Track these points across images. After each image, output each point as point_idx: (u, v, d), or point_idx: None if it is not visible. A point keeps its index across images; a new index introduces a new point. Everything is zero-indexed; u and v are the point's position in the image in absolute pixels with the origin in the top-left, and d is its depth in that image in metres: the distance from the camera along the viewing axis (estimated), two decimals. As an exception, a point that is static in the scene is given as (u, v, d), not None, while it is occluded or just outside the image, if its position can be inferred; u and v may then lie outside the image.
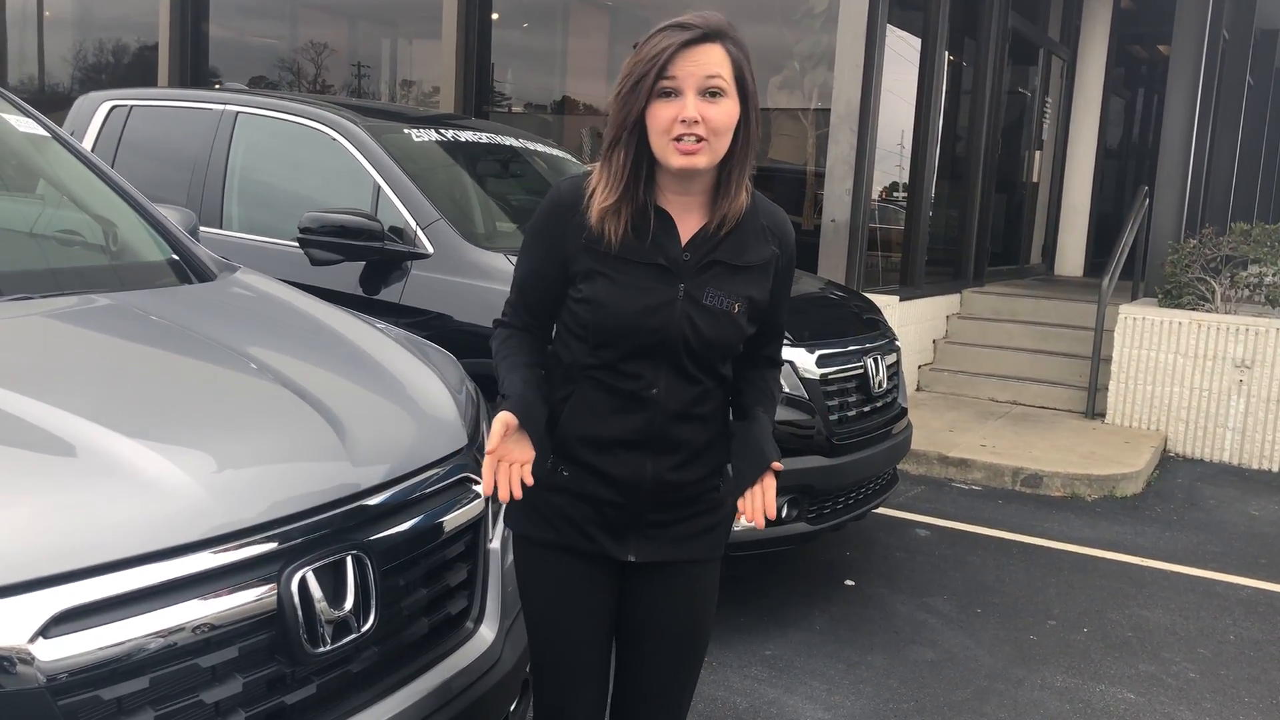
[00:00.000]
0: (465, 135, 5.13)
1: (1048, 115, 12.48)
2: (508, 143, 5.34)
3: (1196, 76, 8.48)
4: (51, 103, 12.60)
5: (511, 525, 2.14)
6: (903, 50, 8.55)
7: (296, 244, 4.36)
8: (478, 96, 9.32)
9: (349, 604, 1.85)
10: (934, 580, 4.90)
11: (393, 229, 4.37)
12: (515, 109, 10.21)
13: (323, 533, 1.85)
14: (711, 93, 1.88)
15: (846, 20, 7.24)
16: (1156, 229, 8.61)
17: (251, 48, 11.96)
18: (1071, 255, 13.05)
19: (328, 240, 4.26)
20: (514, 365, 2.04)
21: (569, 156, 5.76)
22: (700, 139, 1.87)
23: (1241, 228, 7.96)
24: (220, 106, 5.03)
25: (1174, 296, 7.92)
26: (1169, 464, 7.43)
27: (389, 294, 4.35)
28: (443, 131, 5.02)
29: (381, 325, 2.78)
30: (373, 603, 1.90)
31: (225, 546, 1.71)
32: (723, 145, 1.91)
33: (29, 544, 1.52)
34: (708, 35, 1.89)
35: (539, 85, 10.46)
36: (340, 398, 2.16)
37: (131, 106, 5.32)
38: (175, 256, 2.96)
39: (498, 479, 1.91)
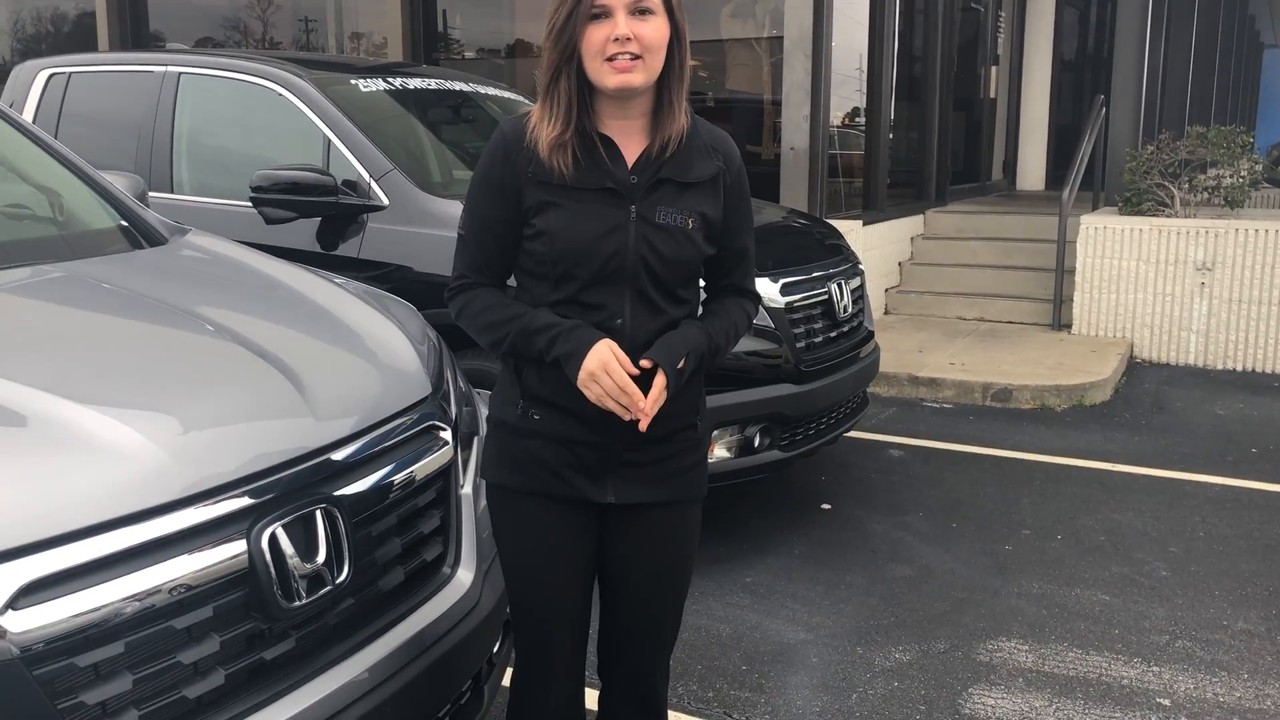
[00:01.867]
0: (414, 83, 5.05)
1: (1001, 30, 12.42)
2: (458, 88, 5.27)
3: (1147, -19, 8.44)
4: (-9, 75, 12.33)
5: (484, 474, 2.14)
6: (853, -29, 8.46)
7: (250, 204, 4.31)
8: (426, 45, 9.17)
9: (321, 557, 1.86)
10: (909, 499, 4.96)
11: (346, 183, 4.32)
12: (466, 55, 10.06)
13: (290, 489, 1.84)
14: (640, 11, 1.92)
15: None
16: (1114, 138, 8.63)
17: (193, 7, 11.70)
18: (1032, 169, 13.07)
19: (281, 198, 4.20)
20: (515, 305, 2.04)
21: (521, 98, 5.69)
22: (635, 56, 1.91)
23: (1198, 131, 7.99)
24: (162, 68, 4.93)
25: (1134, 204, 7.96)
26: (1136, 370, 7.52)
27: (346, 249, 4.31)
28: (390, 80, 4.95)
29: (340, 280, 2.76)
30: (345, 555, 1.90)
31: (191, 507, 1.70)
32: (657, 63, 1.95)
33: (37, 508, 1.52)
34: None
35: (488, 30, 10.30)
36: (299, 354, 2.15)
37: (70, 74, 5.21)
38: (124, 223, 2.92)
39: (640, 399, 1.93)
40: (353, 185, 4.33)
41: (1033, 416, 6.39)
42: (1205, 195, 8.02)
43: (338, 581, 1.88)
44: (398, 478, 2.08)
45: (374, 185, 4.30)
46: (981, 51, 12.07)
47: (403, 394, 2.23)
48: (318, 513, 1.87)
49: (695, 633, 3.61)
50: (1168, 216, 7.79)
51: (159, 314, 2.25)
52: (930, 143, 10.01)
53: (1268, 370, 7.42)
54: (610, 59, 1.90)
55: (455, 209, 4.19)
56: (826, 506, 4.85)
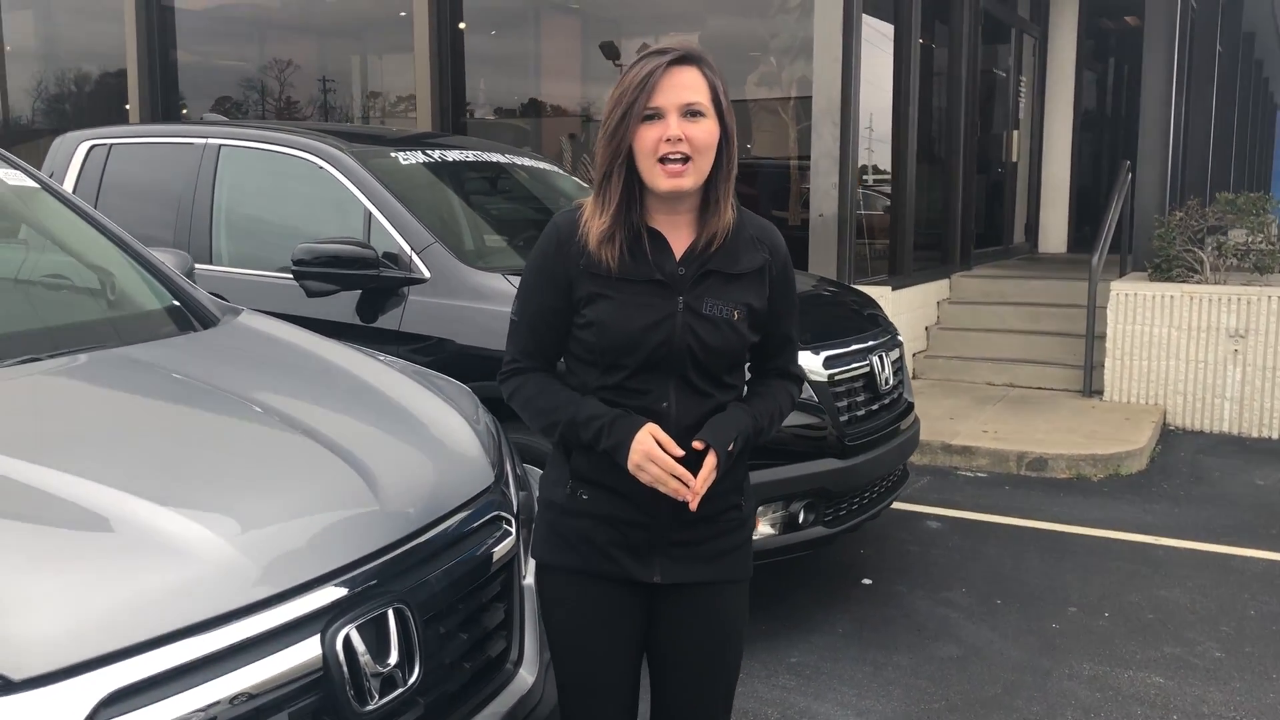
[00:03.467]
0: (451, 154, 5.08)
1: (1023, 93, 12.49)
2: (493, 159, 5.30)
3: (1172, 48, 8.50)
4: (16, 137, 12.49)
5: (533, 553, 2.16)
6: (877, 38, 8.52)
7: (289, 276, 4.31)
8: (454, 108, 9.26)
9: (394, 658, 1.82)
10: (951, 573, 4.89)
11: (387, 255, 4.32)
12: (491, 118, 10.15)
13: (363, 587, 1.81)
14: (692, 113, 1.97)
15: (823, 13, 7.23)
16: (1140, 203, 8.63)
17: (219, 71, 11.86)
18: (1054, 232, 13.07)
19: (323, 271, 4.21)
20: (563, 392, 2.08)
21: (554, 167, 5.72)
22: (685, 158, 1.97)
23: (1226, 197, 7.98)
24: (202, 140, 4.97)
25: (1163, 270, 7.93)
26: (1170, 438, 7.44)
27: (387, 321, 4.30)
28: (429, 152, 4.98)
29: (390, 360, 2.74)
30: (416, 654, 1.86)
31: (268, 610, 1.67)
32: (706, 164, 2.01)
33: (72, 626, 1.49)
34: (686, 58, 2.00)
35: (513, 93, 10.41)
36: (365, 443, 2.12)
37: (112, 145, 5.25)
38: (176, 303, 2.91)
39: (690, 480, 1.97)
40: (393, 258, 4.33)
41: (1069, 486, 6.31)
42: (1234, 260, 7.99)
43: (409, 683, 1.84)
44: (466, 572, 2.05)
45: (415, 258, 4.30)
46: (1003, 115, 12.13)
47: (468, 483, 2.20)
48: (389, 612, 1.83)
49: (742, 716, 3.53)
50: (1197, 283, 7.76)
51: (222, 403, 2.23)
52: (955, 206, 10.03)
53: (1304, 438, 7.34)
54: (662, 160, 1.96)
55: (497, 282, 4.19)
56: (867, 581, 4.77)
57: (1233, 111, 15.77)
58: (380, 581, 1.85)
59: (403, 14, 11.02)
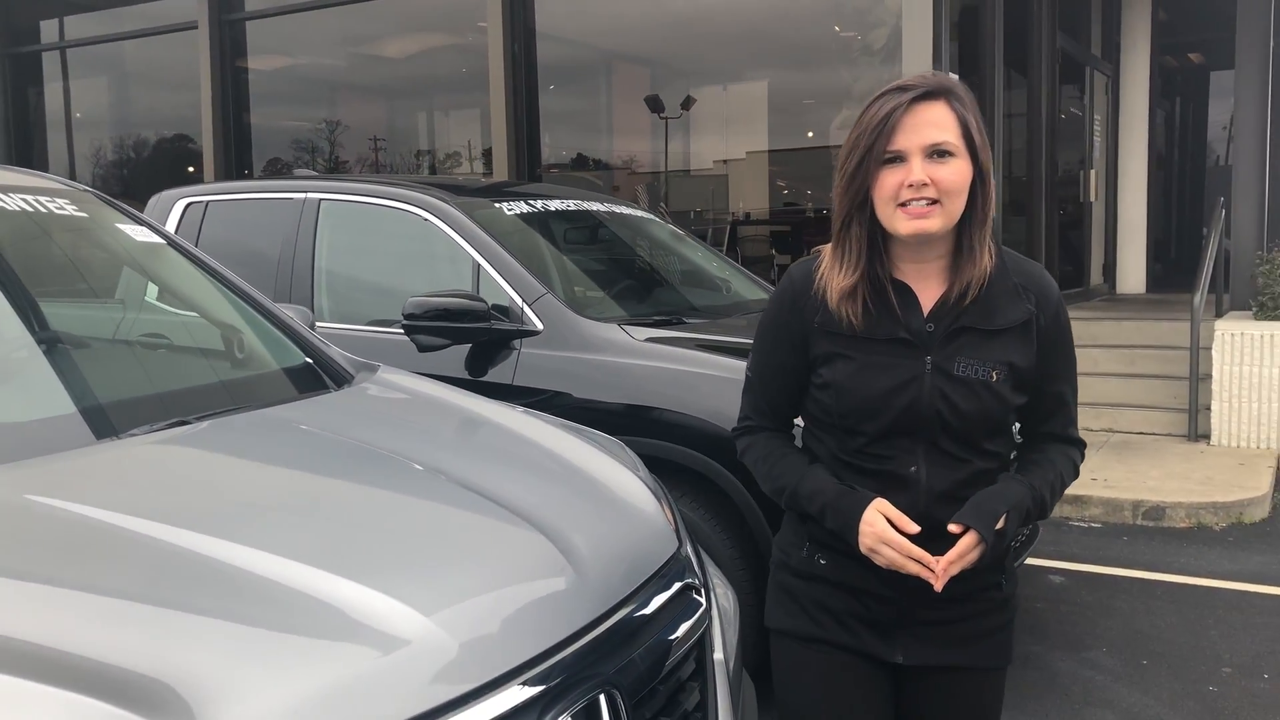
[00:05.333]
0: (553, 204, 4.97)
1: (1097, 132, 12.27)
2: (592, 208, 5.18)
3: (1265, 83, 8.27)
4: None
5: (768, 621, 1.98)
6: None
7: (397, 331, 4.20)
8: (529, 161, 9.22)
9: (608, 748, 1.64)
10: (1086, 631, 4.62)
11: (496, 308, 4.19)
12: (567, 171, 10.12)
13: (573, 670, 1.64)
14: (940, 153, 1.77)
15: (910, 57, 7.10)
16: (1237, 241, 8.36)
17: (287, 131, 11.96)
18: (1132, 272, 12.76)
19: (434, 325, 4.09)
20: (790, 457, 1.93)
21: (649, 215, 5.60)
22: (932, 201, 1.76)
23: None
24: (301, 195, 4.90)
25: (1269, 309, 7.64)
26: (1287, 483, 7.11)
27: (499, 375, 4.16)
28: (531, 203, 4.87)
29: (545, 415, 2.58)
30: (627, 742, 1.68)
31: (482, 700, 1.50)
32: (957, 207, 1.80)
33: (325, 714, 1.33)
34: (931, 93, 1.79)
35: (587, 146, 10.37)
36: (551, 508, 1.96)
37: (208, 202, 5.20)
38: (308, 360, 2.79)
39: (931, 563, 1.77)
40: (503, 310, 4.20)
41: (1190, 536, 6.01)
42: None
43: (625, 774, 1.66)
44: (664, 649, 1.87)
45: (527, 310, 4.16)
46: (1078, 154, 11.91)
47: (657, 550, 2.03)
48: (601, 697, 1.66)
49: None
50: (1304, 321, 7.46)
51: (388, 465, 2.08)
52: (1038, 248, 9.80)
53: None
54: (903, 204, 1.77)
55: (613, 333, 4.05)
56: (1000, 641, 4.51)
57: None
58: (589, 663, 1.68)
59: (464, 70, 11.11)
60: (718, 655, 2.11)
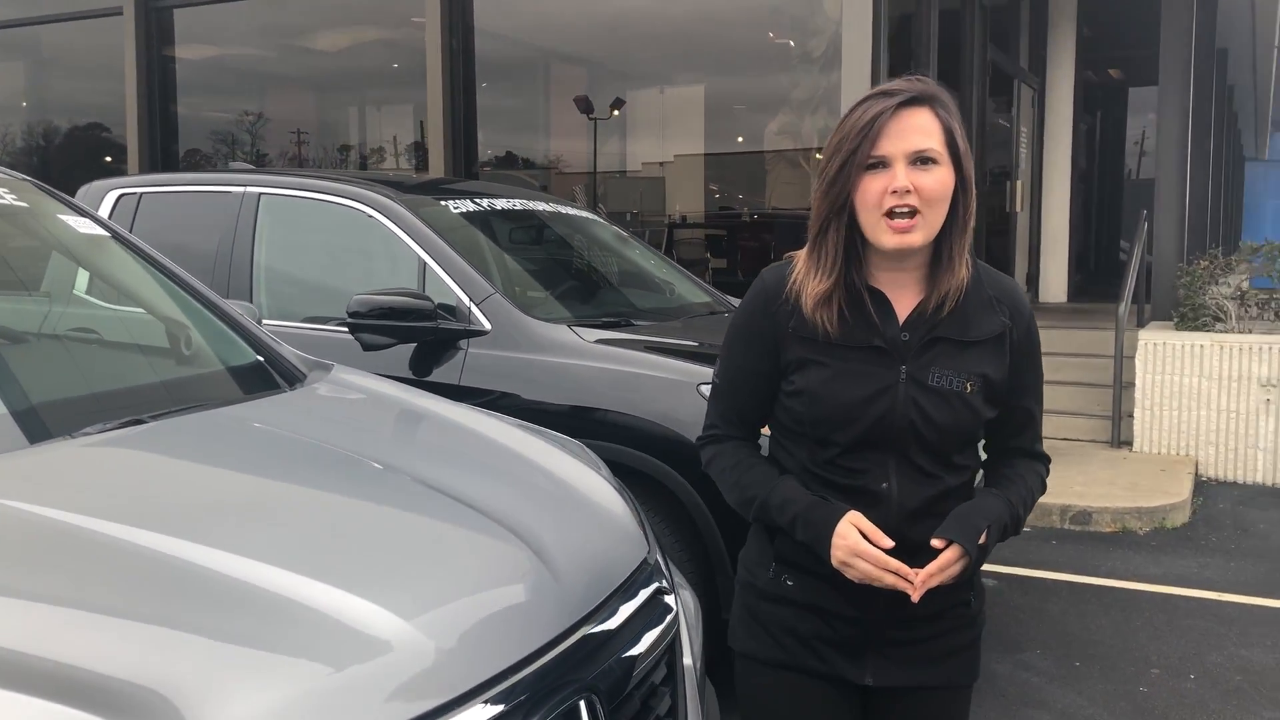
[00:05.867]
0: (499, 204, 4.93)
1: (1023, 144, 12.53)
2: (539, 207, 5.15)
3: (1186, 102, 8.53)
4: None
5: (733, 642, 1.94)
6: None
7: (339, 330, 4.13)
8: (466, 159, 9.14)
9: (588, 755, 1.63)
10: (1020, 634, 4.71)
11: (443, 307, 4.14)
12: (501, 170, 10.05)
13: (552, 676, 1.63)
14: (923, 160, 1.74)
15: (850, 66, 7.18)
16: (1159, 252, 8.60)
17: (214, 122, 11.70)
18: (1055, 282, 13.04)
19: (379, 324, 4.02)
20: (759, 467, 1.88)
21: (593, 216, 5.59)
22: (914, 211, 1.73)
23: (1251, 246, 7.96)
24: (240, 189, 4.79)
25: (1190, 319, 7.87)
26: (1205, 489, 7.32)
27: (445, 375, 4.11)
28: (477, 201, 4.82)
29: (511, 419, 2.56)
30: (606, 750, 1.67)
31: (467, 707, 1.48)
32: (938, 218, 1.77)
33: None
34: (916, 99, 1.76)
35: (522, 145, 10.31)
36: (522, 511, 1.94)
37: (141, 194, 5.06)
38: (260, 358, 2.73)
39: (909, 575, 1.73)
40: (450, 310, 4.15)
41: (1116, 540, 6.16)
42: (1256, 310, 7.95)
43: (604, 780, 1.65)
44: (640, 653, 1.86)
45: (475, 310, 4.12)
46: (1005, 165, 12.15)
47: (629, 555, 2.02)
48: (581, 703, 1.64)
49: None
50: (1223, 332, 7.70)
51: (356, 468, 2.04)
52: (967, 257, 9.96)
53: (1340, 488, 7.25)
54: (888, 214, 1.73)
55: (561, 333, 4.03)
56: (938, 643, 4.58)
57: (1221, 165, 15.93)
58: (568, 669, 1.66)
59: (396, 65, 10.98)
60: (687, 661, 2.11)
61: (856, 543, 1.73)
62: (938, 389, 1.79)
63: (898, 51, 8.48)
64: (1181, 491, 6.65)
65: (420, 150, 10.58)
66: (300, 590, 1.50)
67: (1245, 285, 7.98)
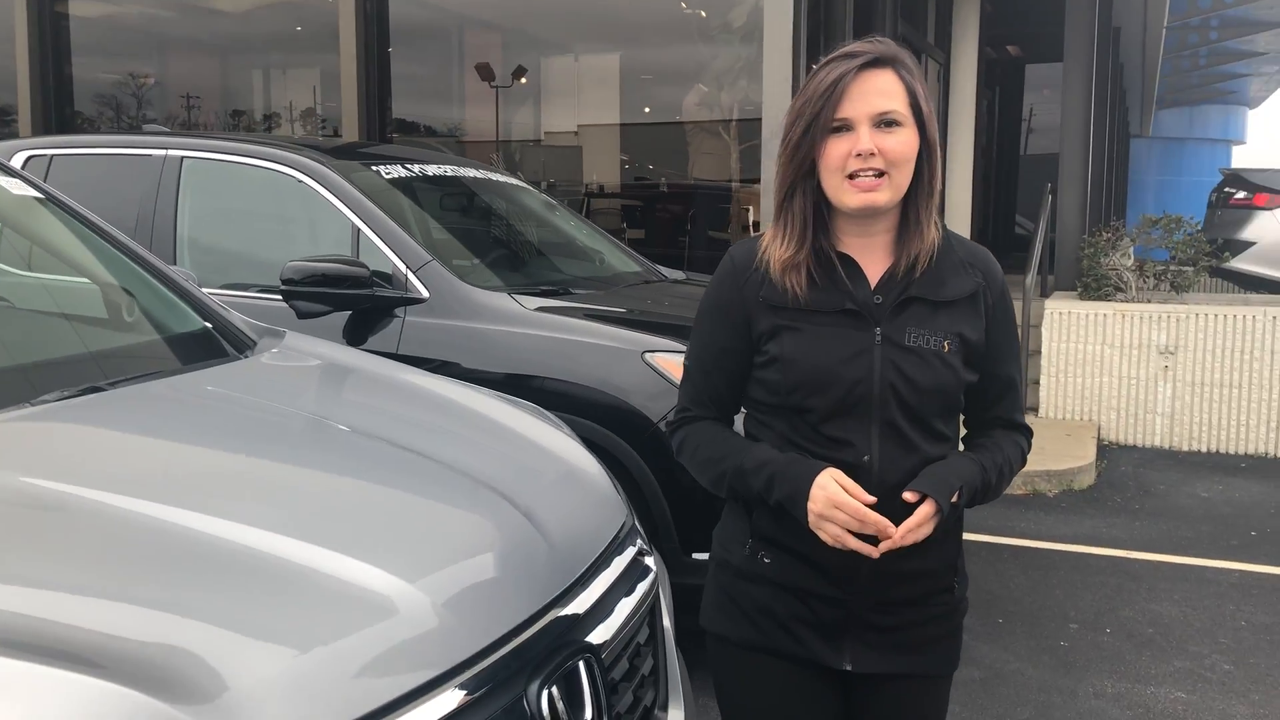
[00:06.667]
0: (430, 170, 4.86)
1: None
2: (469, 174, 5.10)
3: (1089, 79, 8.79)
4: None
5: (704, 622, 1.92)
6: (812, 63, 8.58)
7: (272, 296, 4.04)
8: (380, 124, 8.97)
9: (589, 713, 1.64)
10: (944, 593, 4.85)
11: (379, 274, 4.08)
12: (413, 136, 9.89)
13: (554, 639, 1.64)
14: (887, 123, 1.72)
15: (771, 36, 7.21)
16: (1063, 225, 8.87)
17: (111, 85, 11.27)
18: (958, 253, 13.37)
19: (315, 291, 3.95)
20: (734, 439, 1.85)
21: (522, 184, 5.55)
22: (880, 173, 1.72)
23: (1150, 219, 8.26)
24: (161, 152, 4.64)
25: (1093, 289, 8.15)
26: (1108, 453, 7.62)
27: (381, 344, 4.05)
28: (408, 166, 4.75)
29: (476, 387, 2.54)
30: (603, 708, 1.69)
31: (475, 669, 1.48)
32: (904, 179, 1.75)
33: (303, 702, 1.28)
34: (879, 60, 1.75)
35: (435, 111, 10.15)
36: (507, 475, 1.94)
37: (52, 156, 4.87)
38: (208, 325, 2.66)
39: (889, 529, 1.70)
40: (385, 277, 4.09)
41: (1027, 502, 6.38)
42: (1153, 281, 8.27)
43: (602, 741, 1.67)
44: (627, 615, 1.88)
45: (411, 277, 4.07)
46: (912, 140, 12.38)
47: (611, 518, 2.03)
48: (580, 664, 1.66)
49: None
50: (1123, 301, 7.99)
51: (332, 435, 2.01)
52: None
53: (1232, 451, 7.61)
54: (851, 176, 1.72)
55: (502, 301, 4.01)
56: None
57: (1113, 140, 16.47)
58: (564, 631, 1.67)
59: (300, 28, 10.71)
60: (666, 622, 2.14)
61: (836, 493, 1.68)
62: (915, 349, 1.76)
63: (815, 24, 8.56)
64: (1087, 455, 6.91)
65: (322, 117, 10.37)
66: (303, 555, 1.48)
67: (1130, 258, 8.26)
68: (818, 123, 1.73)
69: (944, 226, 1.87)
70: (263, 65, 11.56)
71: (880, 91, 1.73)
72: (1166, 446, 7.76)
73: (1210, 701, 3.82)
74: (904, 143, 1.73)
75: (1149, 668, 4.09)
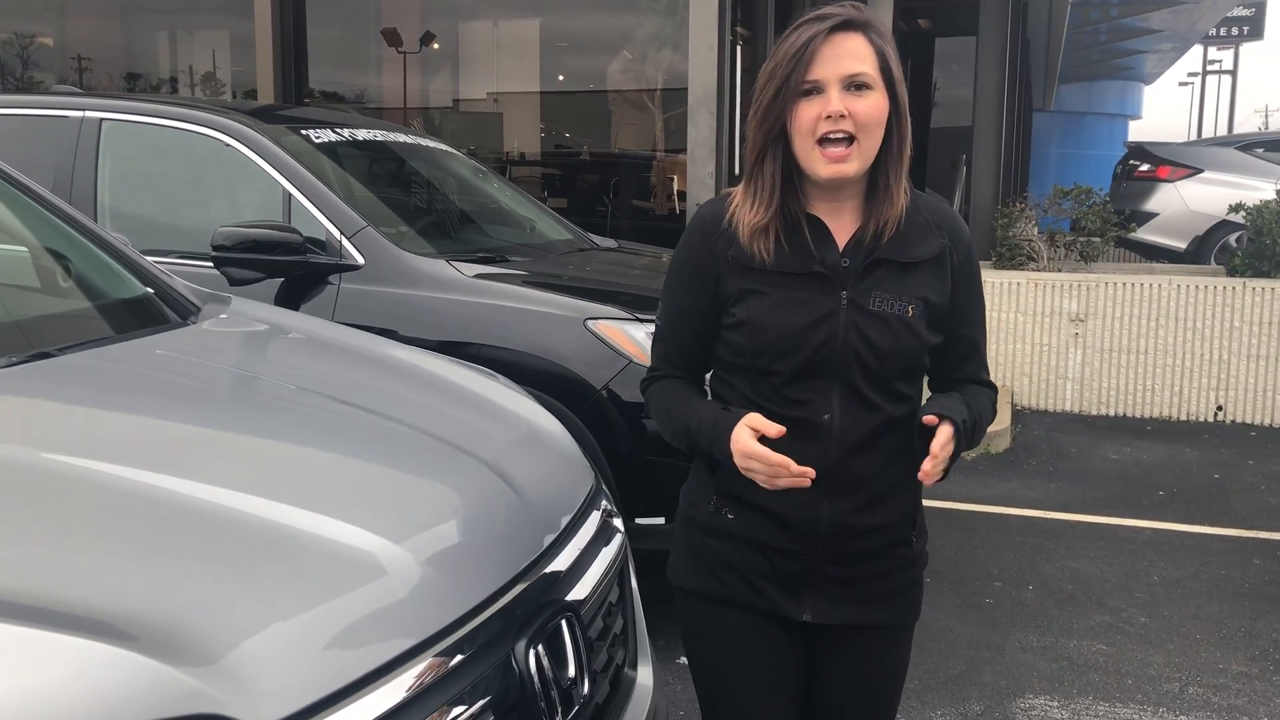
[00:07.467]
0: (360, 134, 4.78)
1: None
2: (399, 139, 5.02)
3: (1003, 52, 8.98)
4: None
5: (671, 576, 1.95)
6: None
7: (202, 263, 3.95)
8: (296, 88, 8.76)
9: (572, 671, 1.66)
10: (873, 555, 4.97)
11: (312, 240, 4.01)
12: (328, 102, 9.69)
13: (537, 597, 1.65)
14: (857, 86, 1.73)
15: (697, 6, 7.22)
16: (977, 195, 9.08)
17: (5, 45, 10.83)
18: (872, 224, 13.60)
19: (247, 257, 3.87)
20: (689, 397, 1.87)
21: (451, 149, 5.49)
22: (849, 137, 1.73)
23: (1061, 190, 8.50)
24: (79, 114, 4.47)
25: (1007, 259, 8.36)
26: (1021, 418, 7.85)
27: (315, 311, 3.96)
28: (338, 131, 4.66)
29: (435, 354, 2.52)
30: (584, 666, 1.71)
31: (465, 629, 1.49)
32: (873, 144, 1.76)
33: (302, 663, 1.27)
34: (849, 23, 1.75)
35: (351, 76, 9.96)
36: (477, 438, 1.94)
37: (-41, 117, 4.66)
38: (149, 290, 2.59)
39: (803, 471, 1.69)
40: (319, 244, 4.02)
41: (946, 466, 6.55)
42: (1063, 251, 8.52)
43: (584, 696, 1.68)
44: (600, 575, 1.89)
45: (346, 243, 4.01)
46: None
47: (580, 479, 2.05)
48: (563, 623, 1.67)
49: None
50: (1036, 270, 8.22)
51: (295, 400, 1.99)
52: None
53: (1138, 415, 7.89)
54: (821, 141, 1.73)
55: (440, 268, 3.97)
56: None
57: (1016, 114, 16.85)
58: (544, 591, 1.69)
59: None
60: (633, 582, 2.16)
61: (747, 443, 1.69)
62: (879, 313, 1.78)
63: (737, -6, 8.59)
64: (1002, 420, 7.10)
65: (226, 82, 10.12)
66: (289, 518, 1.47)
67: (1037, 228, 8.49)
68: (788, 86, 1.74)
69: (912, 189, 1.88)
70: (169, 26, 11.22)
71: (851, 54, 1.73)
72: (1077, 411, 8.02)
73: (1129, 652, 3.98)
74: (874, 106, 1.74)
75: (1070, 622, 4.25)
